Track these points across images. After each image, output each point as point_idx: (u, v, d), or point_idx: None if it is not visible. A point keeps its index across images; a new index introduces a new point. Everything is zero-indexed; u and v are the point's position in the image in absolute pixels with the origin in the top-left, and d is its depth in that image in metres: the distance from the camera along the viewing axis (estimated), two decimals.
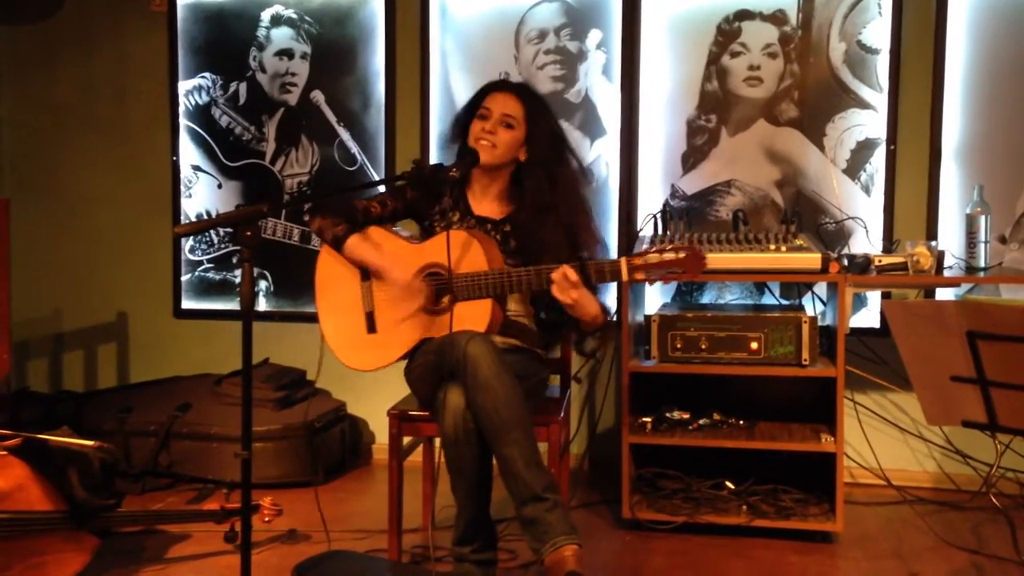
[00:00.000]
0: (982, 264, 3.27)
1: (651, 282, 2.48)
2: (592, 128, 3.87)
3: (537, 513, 2.34)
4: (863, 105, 3.64)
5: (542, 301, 2.74)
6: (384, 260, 2.68)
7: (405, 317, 2.66)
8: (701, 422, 3.26)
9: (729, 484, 3.31)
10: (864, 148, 3.64)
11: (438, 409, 2.47)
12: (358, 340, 2.72)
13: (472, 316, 2.58)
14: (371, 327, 2.71)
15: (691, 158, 3.79)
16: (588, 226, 2.79)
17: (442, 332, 2.59)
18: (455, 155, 2.82)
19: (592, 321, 2.61)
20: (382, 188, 2.92)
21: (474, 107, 2.75)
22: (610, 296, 3.75)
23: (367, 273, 2.72)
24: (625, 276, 2.46)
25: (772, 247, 3.11)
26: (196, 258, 4.25)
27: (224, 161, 4.20)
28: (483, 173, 2.77)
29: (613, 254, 3.81)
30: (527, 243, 2.69)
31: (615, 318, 3.29)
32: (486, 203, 2.80)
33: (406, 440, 2.90)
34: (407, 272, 2.64)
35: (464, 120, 2.77)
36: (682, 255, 2.43)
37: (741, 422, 3.28)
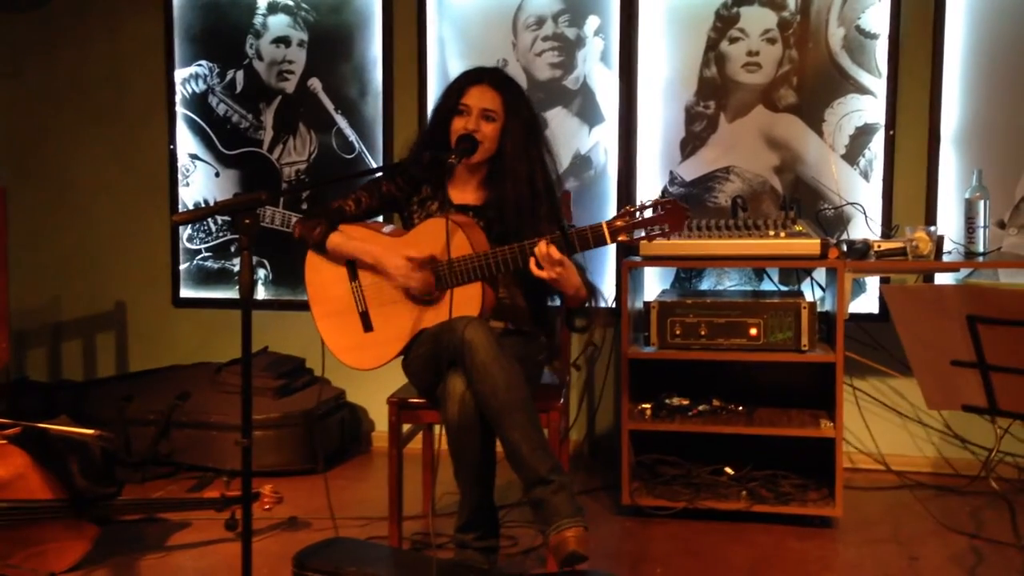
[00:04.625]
0: (981, 249, 3.27)
1: (634, 242, 2.47)
2: (590, 115, 3.86)
3: (543, 495, 2.34)
4: (862, 90, 3.63)
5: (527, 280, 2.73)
6: (372, 249, 2.68)
7: (399, 311, 2.66)
8: (700, 408, 3.26)
9: (728, 470, 3.31)
10: (863, 134, 3.64)
11: (441, 397, 2.48)
12: (356, 340, 2.72)
13: (464, 301, 2.58)
14: (367, 326, 2.71)
15: (689, 144, 3.78)
16: (562, 207, 2.81)
17: (437, 321, 2.59)
18: (426, 146, 2.79)
19: (575, 294, 2.60)
20: (379, 176, 2.91)
21: (452, 103, 2.73)
22: (606, 284, 3.76)
23: (355, 273, 2.72)
24: (608, 239, 2.46)
25: (771, 233, 3.11)
26: (194, 247, 4.25)
27: (221, 149, 4.19)
28: (466, 163, 2.75)
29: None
30: (511, 229, 2.67)
31: (607, 303, 3.29)
32: (467, 192, 2.80)
33: (406, 427, 2.90)
34: (397, 256, 2.64)
35: (444, 116, 2.75)
36: (662, 211, 2.42)
37: (740, 408, 3.29)
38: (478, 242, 2.62)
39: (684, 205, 2.44)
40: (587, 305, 2.70)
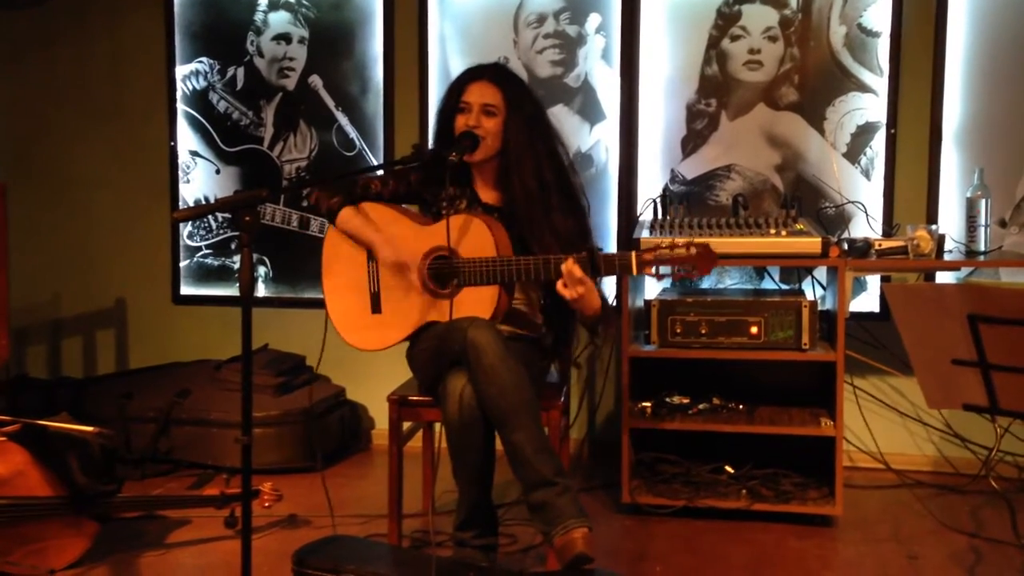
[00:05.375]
0: (982, 248, 3.27)
1: (660, 277, 2.45)
2: (591, 113, 3.85)
3: (547, 498, 2.34)
4: (863, 89, 3.62)
5: (548, 291, 2.73)
6: (375, 236, 2.67)
7: (411, 298, 2.65)
8: (701, 407, 3.26)
9: (728, 468, 3.31)
10: (864, 132, 3.63)
11: (442, 395, 2.47)
12: (363, 320, 2.71)
13: (478, 302, 2.57)
14: (376, 307, 2.70)
15: (691, 143, 3.78)
16: (580, 206, 2.77)
17: (446, 316, 2.58)
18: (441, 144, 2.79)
19: (593, 315, 2.59)
20: (380, 173, 2.91)
21: (454, 102, 2.73)
22: (605, 282, 3.75)
23: (373, 252, 2.72)
24: (635, 270, 2.44)
25: (772, 231, 3.10)
26: (195, 244, 4.24)
27: (222, 146, 4.19)
28: (471, 160, 2.74)
29: (611, 239, 3.82)
30: (524, 224, 2.67)
31: (611, 306, 3.29)
32: (487, 191, 2.80)
33: (406, 425, 2.90)
34: (398, 251, 2.63)
35: (447, 115, 2.75)
36: (694, 251, 2.40)
37: (741, 406, 3.28)
38: (502, 243, 2.61)
39: (715, 253, 2.41)
40: (605, 316, 2.67)
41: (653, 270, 2.43)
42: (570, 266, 2.44)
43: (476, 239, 2.59)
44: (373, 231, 2.69)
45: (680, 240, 2.42)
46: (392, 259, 2.64)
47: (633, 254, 2.44)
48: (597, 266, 2.46)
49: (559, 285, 2.47)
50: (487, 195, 2.79)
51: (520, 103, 2.70)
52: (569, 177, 2.77)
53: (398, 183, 2.80)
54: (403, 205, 2.84)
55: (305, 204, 4.09)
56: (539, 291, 2.77)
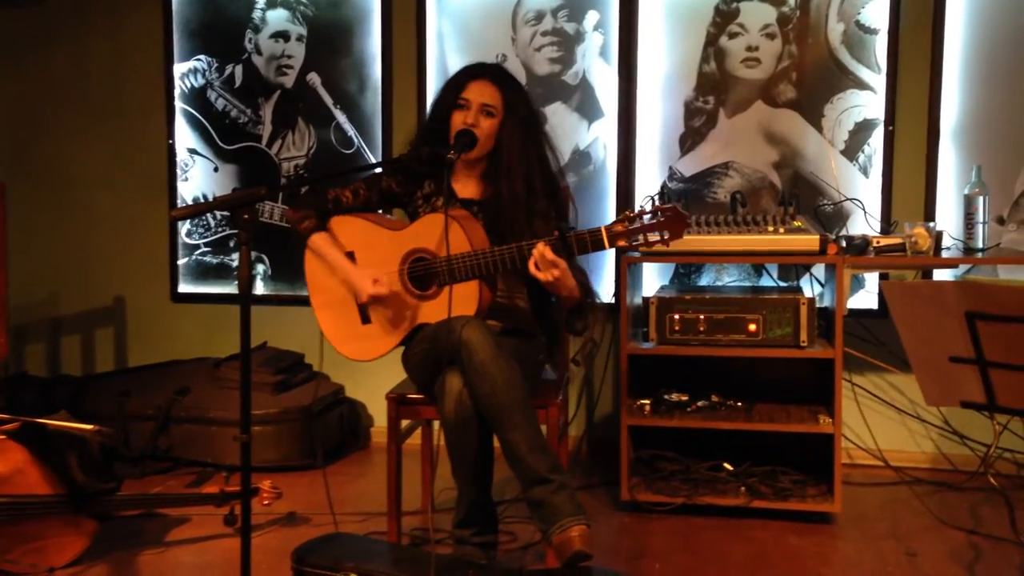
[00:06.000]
0: (980, 245, 3.28)
1: (635, 247, 2.45)
2: (589, 110, 3.85)
3: (544, 495, 2.34)
4: (861, 86, 3.62)
5: (532, 290, 2.73)
6: (346, 267, 2.68)
7: (397, 305, 2.66)
8: (699, 404, 3.26)
9: (727, 466, 3.31)
10: (862, 129, 3.64)
11: (438, 394, 2.48)
12: (354, 332, 2.72)
13: (460, 299, 2.57)
14: (365, 318, 2.71)
15: (689, 140, 3.78)
16: (565, 202, 2.79)
17: (435, 317, 2.59)
18: (426, 140, 2.78)
19: (568, 295, 2.58)
20: (379, 171, 2.91)
21: (452, 98, 2.73)
22: (604, 280, 3.76)
23: (354, 263, 2.72)
24: (607, 244, 2.44)
25: (770, 229, 3.10)
26: (193, 242, 4.24)
27: (220, 144, 4.19)
28: (464, 158, 2.74)
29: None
30: (506, 225, 2.67)
31: (600, 299, 3.29)
32: (469, 185, 2.80)
33: (404, 423, 2.91)
34: (366, 279, 2.63)
35: (445, 109, 2.75)
36: (663, 218, 2.40)
37: (739, 404, 3.29)
38: (476, 237, 2.61)
39: (685, 212, 2.42)
40: (586, 302, 2.67)
41: (625, 241, 2.43)
42: (542, 249, 2.44)
43: (451, 237, 2.59)
44: (343, 261, 2.70)
45: (648, 207, 2.42)
46: (365, 292, 2.63)
47: (603, 229, 2.44)
48: (570, 246, 2.46)
49: (531, 266, 2.46)
50: (467, 189, 2.79)
51: (517, 106, 2.71)
52: (557, 183, 2.77)
53: (370, 191, 2.80)
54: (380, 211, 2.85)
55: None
56: (525, 288, 2.76)
